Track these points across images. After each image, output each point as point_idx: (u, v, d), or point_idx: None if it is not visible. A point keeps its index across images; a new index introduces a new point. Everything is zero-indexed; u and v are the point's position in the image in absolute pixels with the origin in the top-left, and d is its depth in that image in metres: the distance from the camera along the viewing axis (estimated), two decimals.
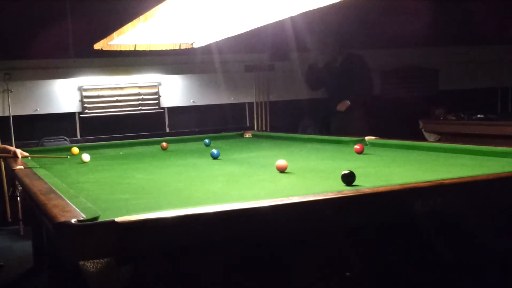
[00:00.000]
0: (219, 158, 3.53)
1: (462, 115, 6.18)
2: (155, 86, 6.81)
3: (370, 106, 6.18)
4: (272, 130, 6.85)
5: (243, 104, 7.26)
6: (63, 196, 2.02)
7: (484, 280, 2.17)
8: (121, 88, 6.64)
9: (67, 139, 6.37)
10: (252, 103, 7.22)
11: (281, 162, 2.74)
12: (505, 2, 7.22)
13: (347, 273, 1.90)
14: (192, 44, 4.28)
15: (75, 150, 4.18)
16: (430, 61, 7.75)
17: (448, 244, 2.04)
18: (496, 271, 2.19)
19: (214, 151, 3.59)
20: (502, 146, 2.94)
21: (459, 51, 7.71)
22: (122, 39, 3.67)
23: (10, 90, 6.03)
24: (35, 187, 2.33)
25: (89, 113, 6.50)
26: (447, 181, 2.06)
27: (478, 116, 6.05)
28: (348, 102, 6.08)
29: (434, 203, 1.97)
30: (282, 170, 2.72)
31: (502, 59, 7.92)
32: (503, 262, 2.19)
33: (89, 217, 1.64)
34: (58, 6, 6.26)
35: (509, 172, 2.28)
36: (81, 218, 1.61)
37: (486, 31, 7.33)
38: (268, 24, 3.34)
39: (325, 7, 2.72)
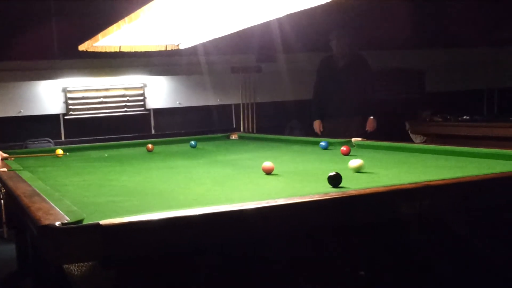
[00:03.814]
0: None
1: (448, 117, 6.22)
2: (141, 87, 6.78)
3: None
4: (258, 131, 6.85)
5: (230, 105, 7.26)
6: (47, 199, 1.99)
7: (470, 281, 2.17)
8: (106, 89, 6.61)
9: (51, 141, 6.33)
10: (239, 104, 7.22)
11: (268, 164, 2.73)
12: (489, 4, 7.27)
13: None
14: (178, 45, 4.26)
15: (60, 152, 4.15)
16: (417, 63, 7.80)
17: (434, 246, 2.04)
18: (482, 272, 2.19)
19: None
20: (488, 148, 2.95)
21: (445, 53, 7.76)
22: (107, 40, 3.64)
23: None
24: (19, 189, 2.30)
25: (74, 115, 6.47)
26: (433, 183, 2.06)
27: (464, 117, 6.09)
28: (372, 118, 5.79)
29: (420, 204, 1.97)
30: (268, 172, 2.71)
31: (487, 61, 7.99)
32: (489, 264, 2.19)
33: (73, 220, 1.62)
34: (42, 6, 6.21)
35: (495, 173, 2.29)
36: (65, 221, 1.59)
37: (472, 34, 7.38)
38: (255, 26, 3.33)
39: (311, 9, 2.72)
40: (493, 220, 2.18)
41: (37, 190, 2.24)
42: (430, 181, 2.08)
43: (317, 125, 5.95)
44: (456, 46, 7.72)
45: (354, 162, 2.67)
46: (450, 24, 7.31)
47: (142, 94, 6.79)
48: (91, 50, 4.03)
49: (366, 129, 5.71)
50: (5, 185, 2.65)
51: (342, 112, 5.79)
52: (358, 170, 2.64)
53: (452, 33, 7.38)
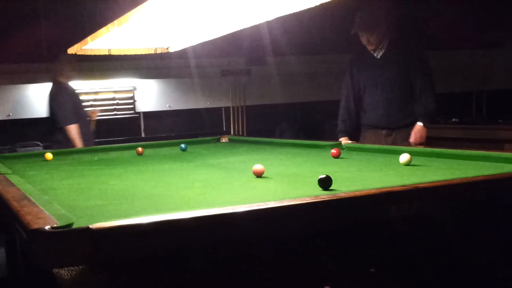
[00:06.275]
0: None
1: (437, 119, 6.24)
2: (131, 90, 6.77)
3: None
4: (248, 134, 6.85)
5: (220, 108, 7.26)
6: (36, 203, 1.98)
7: (459, 282, 2.18)
8: (95, 92, 6.59)
9: (41, 144, 6.29)
10: (229, 107, 7.22)
11: (258, 167, 2.73)
12: (477, 6, 7.31)
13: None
14: (167, 48, 4.26)
15: (49, 155, 4.13)
16: None
17: (424, 248, 2.05)
18: (471, 273, 2.20)
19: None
20: (477, 150, 2.97)
21: (433, 55, 7.78)
22: (97, 43, 3.63)
23: None
24: (8, 193, 2.29)
25: None
26: (422, 185, 2.07)
27: (453, 120, 6.12)
28: (420, 125, 4.30)
29: (410, 206, 1.97)
30: (258, 175, 2.71)
31: (476, 63, 8.03)
32: (478, 264, 2.20)
33: (63, 224, 1.62)
34: (30, 9, 6.19)
35: (484, 176, 2.30)
36: (55, 225, 1.58)
37: (460, 36, 7.42)
38: (245, 29, 3.34)
39: (300, 12, 2.72)
40: (483, 221, 2.19)
41: (27, 194, 2.23)
42: (420, 183, 2.09)
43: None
44: (444, 49, 7.76)
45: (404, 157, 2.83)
46: (437, 27, 7.35)
47: (132, 97, 6.77)
48: (80, 53, 4.01)
49: (410, 140, 4.31)
50: None
51: (384, 122, 4.42)
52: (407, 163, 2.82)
53: (439, 35, 7.41)
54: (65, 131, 5.51)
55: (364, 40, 4.41)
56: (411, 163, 2.93)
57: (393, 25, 4.50)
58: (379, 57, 4.43)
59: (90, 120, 5.99)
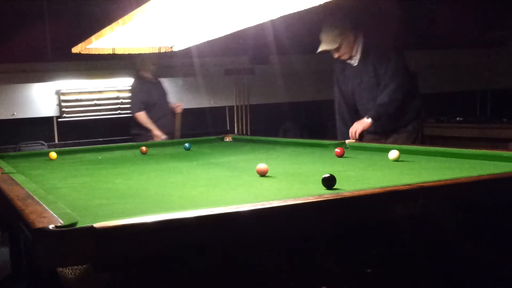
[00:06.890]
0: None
1: (442, 118, 6.23)
2: None
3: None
4: (252, 133, 6.85)
5: (223, 107, 7.26)
6: (40, 202, 1.98)
7: (462, 282, 2.17)
8: (99, 92, 6.59)
9: (45, 143, 6.30)
10: (233, 106, 7.21)
11: (262, 166, 2.73)
12: (480, 5, 7.29)
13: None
14: (171, 47, 4.26)
15: (53, 155, 4.13)
16: (409, 65, 7.79)
17: (428, 247, 2.05)
18: (474, 273, 2.20)
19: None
20: (482, 149, 2.96)
21: (437, 54, 7.77)
22: (101, 42, 3.64)
23: None
24: (12, 192, 2.29)
25: (67, 117, 6.44)
26: (427, 184, 2.07)
27: (458, 119, 6.11)
28: (367, 121, 4.14)
29: (414, 206, 1.97)
30: (262, 174, 2.71)
31: (480, 62, 8.00)
32: (481, 264, 2.20)
33: (67, 223, 1.62)
34: (35, 8, 6.19)
35: (488, 175, 2.29)
36: (59, 224, 1.58)
37: (464, 34, 7.40)
38: (249, 28, 3.33)
39: (304, 10, 2.72)
40: (486, 221, 2.18)
41: (31, 193, 2.23)
42: (424, 183, 2.09)
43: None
44: (448, 48, 7.74)
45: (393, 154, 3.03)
46: (441, 25, 7.33)
47: None
48: (84, 52, 4.02)
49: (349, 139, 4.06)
50: None
51: (378, 128, 4.25)
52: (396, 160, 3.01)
53: (443, 34, 7.39)
54: (135, 119, 5.84)
55: (334, 55, 4.28)
56: (415, 162, 2.93)
57: (363, 23, 4.38)
58: (355, 64, 4.31)
59: (174, 114, 6.14)
